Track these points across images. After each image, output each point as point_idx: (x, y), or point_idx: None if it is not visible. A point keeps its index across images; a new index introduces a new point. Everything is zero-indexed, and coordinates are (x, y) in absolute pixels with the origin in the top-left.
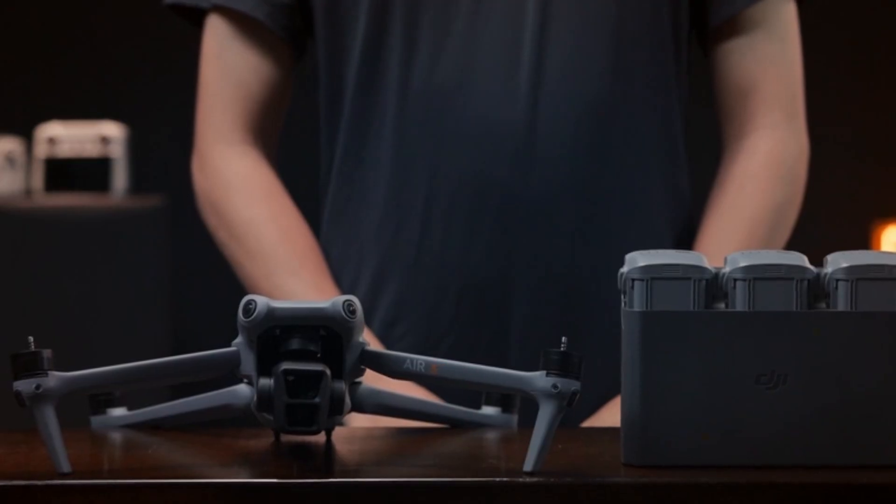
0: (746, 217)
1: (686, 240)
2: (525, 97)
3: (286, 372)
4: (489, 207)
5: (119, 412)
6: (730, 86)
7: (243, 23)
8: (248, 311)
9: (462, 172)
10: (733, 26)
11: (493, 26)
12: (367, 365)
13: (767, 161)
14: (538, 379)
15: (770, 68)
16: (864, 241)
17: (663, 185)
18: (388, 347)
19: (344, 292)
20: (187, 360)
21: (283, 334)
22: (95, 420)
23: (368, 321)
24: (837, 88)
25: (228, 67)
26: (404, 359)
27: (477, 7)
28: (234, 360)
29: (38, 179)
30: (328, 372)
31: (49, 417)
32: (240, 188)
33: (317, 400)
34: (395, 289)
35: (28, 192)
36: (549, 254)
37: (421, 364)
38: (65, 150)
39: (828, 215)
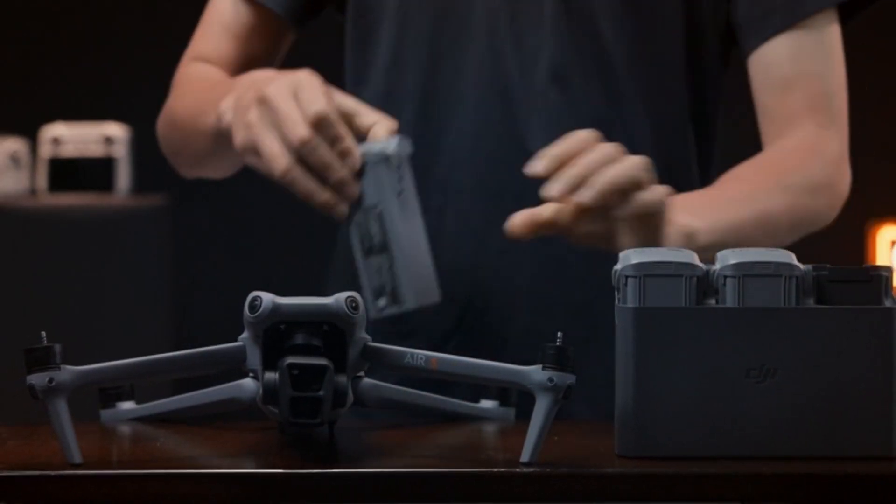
0: (774, 163)
1: None
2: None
3: (291, 366)
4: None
5: (128, 406)
6: (772, 85)
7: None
8: (253, 307)
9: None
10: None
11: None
12: (368, 359)
13: (804, 144)
14: (535, 373)
15: (812, 79)
16: (859, 240)
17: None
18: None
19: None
20: (195, 354)
21: (287, 330)
22: (105, 413)
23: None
24: None
25: (224, 23)
26: (405, 353)
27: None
28: (240, 354)
29: (42, 179)
30: (331, 366)
31: (61, 410)
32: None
33: (320, 393)
34: None
35: (32, 191)
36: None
37: (421, 359)
38: (69, 151)
39: None
